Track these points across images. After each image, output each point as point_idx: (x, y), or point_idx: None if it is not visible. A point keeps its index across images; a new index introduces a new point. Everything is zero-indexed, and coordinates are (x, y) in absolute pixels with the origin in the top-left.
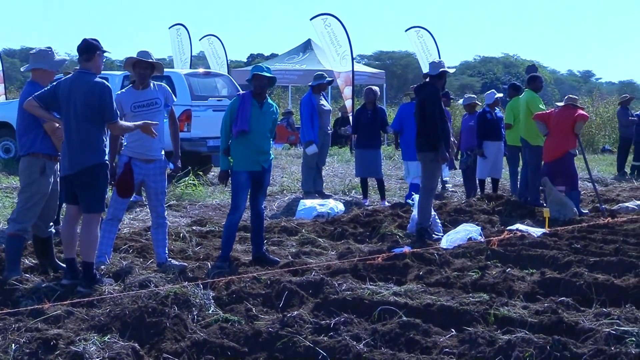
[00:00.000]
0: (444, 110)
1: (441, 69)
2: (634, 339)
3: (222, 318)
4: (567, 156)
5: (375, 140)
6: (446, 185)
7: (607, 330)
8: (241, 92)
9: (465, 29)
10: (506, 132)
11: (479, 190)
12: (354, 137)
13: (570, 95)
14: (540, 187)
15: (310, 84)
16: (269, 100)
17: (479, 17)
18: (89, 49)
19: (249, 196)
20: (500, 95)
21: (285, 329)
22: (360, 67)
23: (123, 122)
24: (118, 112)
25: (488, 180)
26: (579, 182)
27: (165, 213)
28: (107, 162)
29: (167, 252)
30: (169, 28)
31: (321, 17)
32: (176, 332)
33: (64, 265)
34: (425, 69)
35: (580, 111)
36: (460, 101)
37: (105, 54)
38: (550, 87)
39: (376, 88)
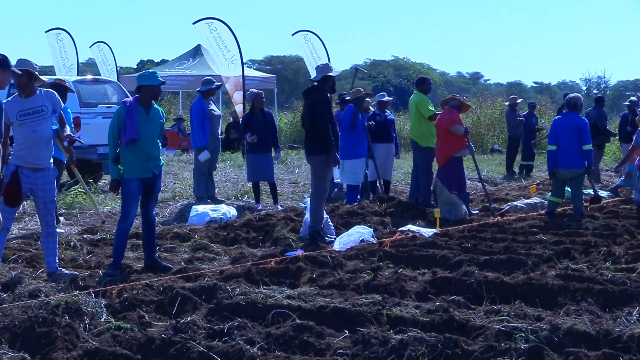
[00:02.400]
0: (333, 113)
1: (324, 74)
2: (523, 334)
3: (115, 326)
4: (452, 161)
5: (266, 144)
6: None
7: (497, 327)
8: (127, 99)
9: (355, 33)
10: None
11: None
12: (246, 142)
13: (450, 96)
14: (431, 188)
15: (199, 89)
16: (155, 106)
17: (368, 21)
18: None
19: (140, 203)
20: (390, 99)
21: (179, 334)
22: (251, 72)
23: None
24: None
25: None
26: (470, 182)
27: (55, 222)
28: None
29: (57, 261)
30: (46, 32)
31: (205, 21)
32: (67, 341)
33: None
34: (313, 73)
35: (447, 115)
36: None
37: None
38: (440, 89)
39: (261, 91)
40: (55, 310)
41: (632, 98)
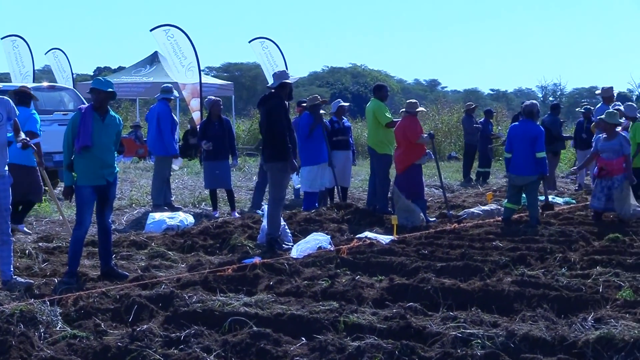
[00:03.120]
0: (290, 120)
1: (281, 81)
2: (479, 341)
3: (70, 334)
4: (411, 168)
5: (223, 151)
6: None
7: (454, 333)
8: (83, 105)
9: (313, 40)
10: None
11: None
12: (203, 149)
13: (409, 101)
14: (389, 195)
15: (166, 96)
16: (112, 113)
17: (326, 28)
18: None
19: (95, 211)
20: (347, 104)
21: (135, 343)
22: (208, 79)
23: None
24: None
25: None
26: (427, 189)
27: (10, 230)
28: None
29: (12, 269)
30: (2, 39)
31: (163, 28)
32: (22, 350)
33: None
34: (271, 80)
35: (409, 125)
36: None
37: None
38: (397, 97)
39: (218, 99)
40: (10, 319)
41: (587, 105)
